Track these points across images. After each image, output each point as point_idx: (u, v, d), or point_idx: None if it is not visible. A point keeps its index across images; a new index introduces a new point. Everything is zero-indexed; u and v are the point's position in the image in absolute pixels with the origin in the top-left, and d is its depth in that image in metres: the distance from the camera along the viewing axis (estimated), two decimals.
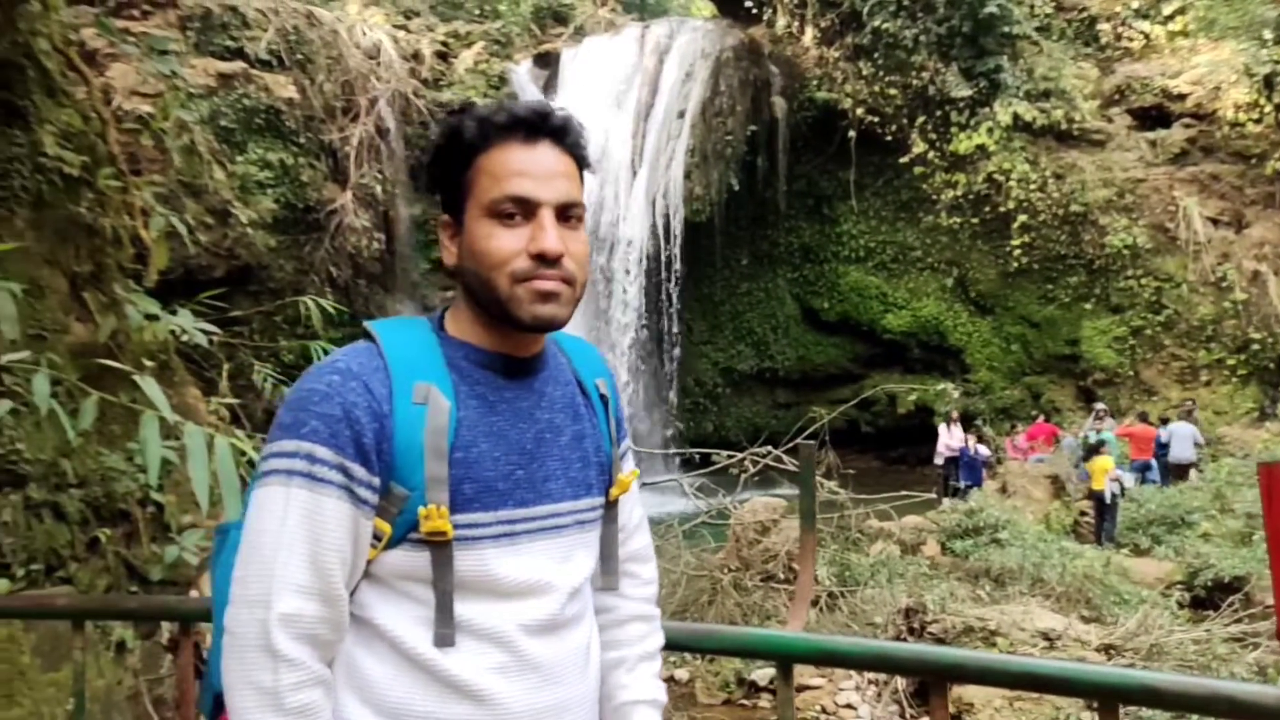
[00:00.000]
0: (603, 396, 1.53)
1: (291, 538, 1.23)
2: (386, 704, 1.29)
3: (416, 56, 21.72)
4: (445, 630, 1.30)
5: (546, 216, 1.34)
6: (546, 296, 1.33)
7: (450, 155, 1.38)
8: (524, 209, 1.34)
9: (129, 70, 15.53)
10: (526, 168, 1.34)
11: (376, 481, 1.28)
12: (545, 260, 1.33)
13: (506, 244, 1.33)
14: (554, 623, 1.37)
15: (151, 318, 5.05)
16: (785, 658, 1.58)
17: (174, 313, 5.17)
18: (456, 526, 1.30)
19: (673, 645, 1.80)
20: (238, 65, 18.30)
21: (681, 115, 20.79)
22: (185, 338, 5.11)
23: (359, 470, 1.26)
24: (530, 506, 1.36)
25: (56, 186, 4.85)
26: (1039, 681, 1.42)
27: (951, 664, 1.47)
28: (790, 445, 8.41)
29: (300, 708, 1.22)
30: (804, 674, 7.45)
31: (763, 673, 7.62)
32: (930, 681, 1.51)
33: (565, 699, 1.37)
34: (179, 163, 11.07)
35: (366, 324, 1.38)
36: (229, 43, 18.64)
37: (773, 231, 23.13)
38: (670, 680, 7.69)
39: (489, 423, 1.35)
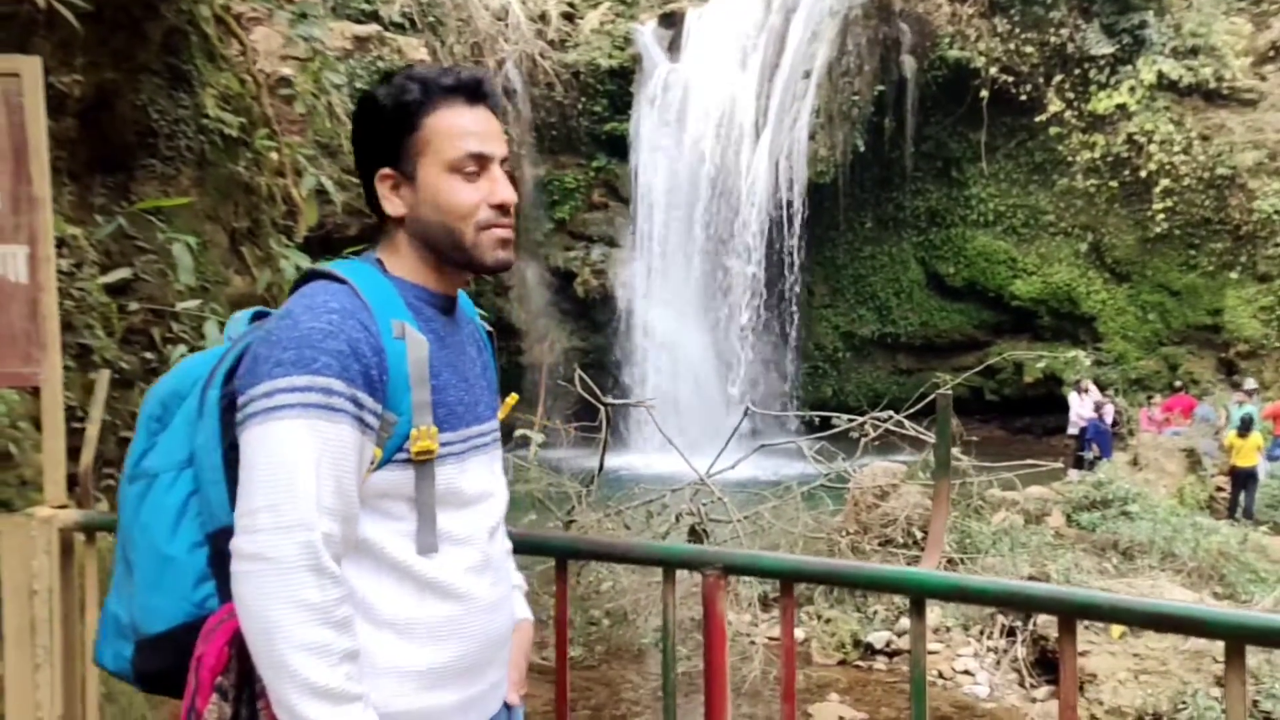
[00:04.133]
0: (489, 333, 1.78)
1: (319, 465, 1.33)
2: (375, 612, 1.43)
3: (543, 18, 21.92)
4: (429, 539, 1.47)
5: (498, 171, 1.54)
6: (505, 243, 1.54)
7: (396, 114, 1.51)
8: (480, 164, 1.51)
9: (271, 34, 16.10)
10: (478, 128, 1.52)
11: (380, 409, 1.41)
12: (504, 210, 1.53)
13: (470, 196, 1.50)
14: (498, 526, 1.63)
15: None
16: (918, 593, 1.64)
17: None
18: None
19: (806, 577, 1.87)
20: (372, 28, 18.77)
21: (807, 75, 20.47)
22: None
23: (368, 400, 1.39)
24: (474, 426, 1.57)
25: (217, 146, 5.15)
26: (1170, 621, 1.47)
27: (1082, 603, 1.53)
28: (911, 410, 8.35)
29: (344, 619, 1.33)
30: None
31: (879, 635, 7.64)
32: (1060, 620, 1.56)
33: (506, 591, 1.64)
34: (318, 124, 11.47)
35: (325, 267, 1.52)
36: (365, 5, 19.15)
37: (898, 194, 22.66)
38: None
39: (444, 355, 1.52)
